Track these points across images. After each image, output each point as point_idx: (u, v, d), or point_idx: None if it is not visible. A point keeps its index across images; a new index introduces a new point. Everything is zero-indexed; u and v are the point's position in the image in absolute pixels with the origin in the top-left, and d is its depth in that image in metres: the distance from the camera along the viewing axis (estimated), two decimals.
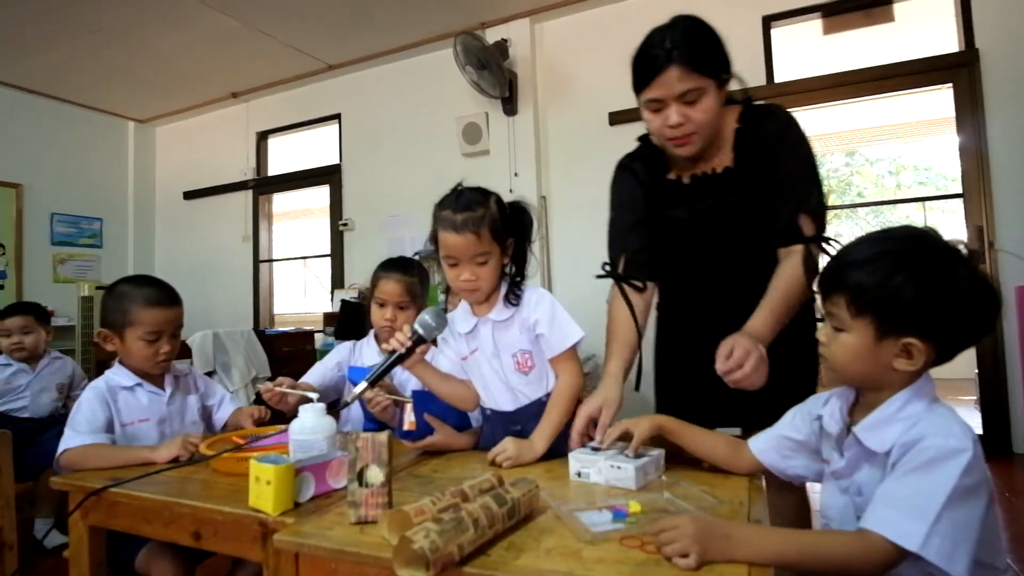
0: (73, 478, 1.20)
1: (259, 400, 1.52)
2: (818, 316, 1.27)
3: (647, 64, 1.20)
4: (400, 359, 1.18)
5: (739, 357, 1.03)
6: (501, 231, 1.22)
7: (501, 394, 1.27)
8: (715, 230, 1.32)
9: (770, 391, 1.07)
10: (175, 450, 1.25)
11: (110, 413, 1.38)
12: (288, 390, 1.46)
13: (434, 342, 1.27)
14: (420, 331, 1.18)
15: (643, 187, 1.38)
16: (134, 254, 5.72)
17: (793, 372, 1.19)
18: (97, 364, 4.13)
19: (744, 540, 0.71)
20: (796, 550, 0.72)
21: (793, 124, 1.27)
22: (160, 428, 1.44)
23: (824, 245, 1.20)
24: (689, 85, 1.17)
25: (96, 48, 4.34)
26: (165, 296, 1.47)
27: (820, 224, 1.22)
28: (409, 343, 1.17)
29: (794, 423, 0.98)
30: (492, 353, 1.26)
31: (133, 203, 5.75)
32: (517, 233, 1.28)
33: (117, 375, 1.44)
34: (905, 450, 0.75)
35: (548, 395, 1.25)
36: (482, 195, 1.23)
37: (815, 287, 1.07)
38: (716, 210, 1.30)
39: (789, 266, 1.19)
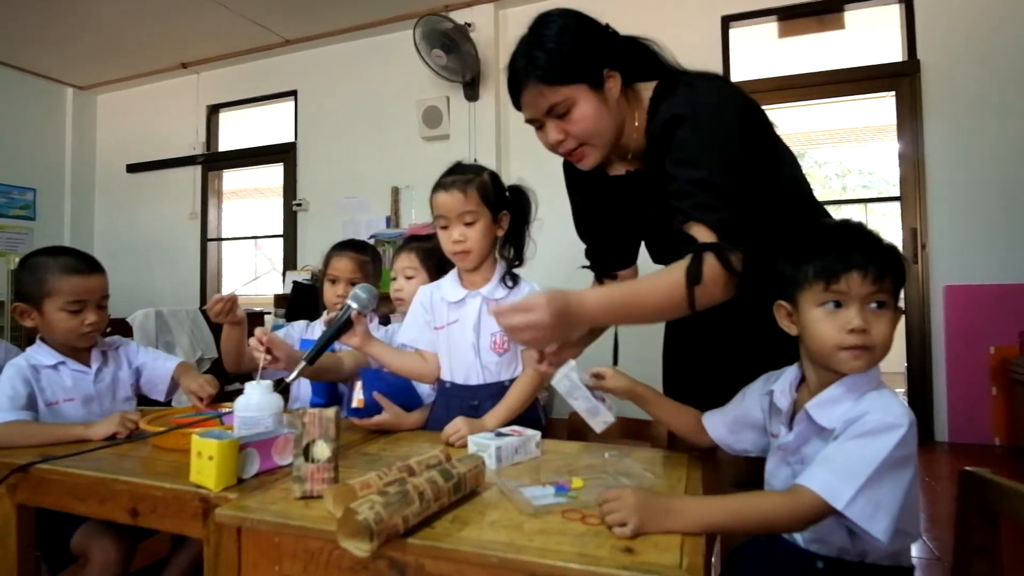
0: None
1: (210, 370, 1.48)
2: None
3: (510, 86, 1.09)
4: (338, 332, 1.18)
5: (514, 306, 0.92)
6: (492, 200, 1.28)
7: (470, 367, 1.29)
8: (654, 236, 1.25)
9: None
10: (112, 427, 1.20)
11: (32, 390, 1.31)
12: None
13: (388, 319, 1.27)
14: (353, 305, 1.19)
15: (581, 182, 1.29)
16: (71, 227, 5.42)
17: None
18: (28, 340, 3.93)
19: (680, 511, 0.74)
20: (728, 514, 0.76)
21: (694, 102, 1.03)
22: (87, 407, 1.36)
23: (731, 255, 0.96)
24: (552, 100, 1.04)
25: (34, 8, 4.07)
26: (84, 263, 1.38)
27: (725, 230, 0.97)
28: (340, 314, 1.19)
29: (745, 402, 1.03)
30: (473, 327, 1.28)
31: (71, 174, 5.45)
32: (514, 214, 1.33)
33: (38, 353, 1.36)
34: (848, 424, 0.81)
35: (512, 380, 1.29)
36: (477, 167, 1.31)
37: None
38: (638, 218, 1.22)
39: (673, 267, 0.98)
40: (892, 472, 0.76)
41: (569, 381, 1.02)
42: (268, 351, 1.21)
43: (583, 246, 1.38)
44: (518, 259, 1.35)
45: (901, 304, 0.87)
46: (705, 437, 1.06)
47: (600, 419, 1.02)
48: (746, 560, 1.00)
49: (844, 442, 0.80)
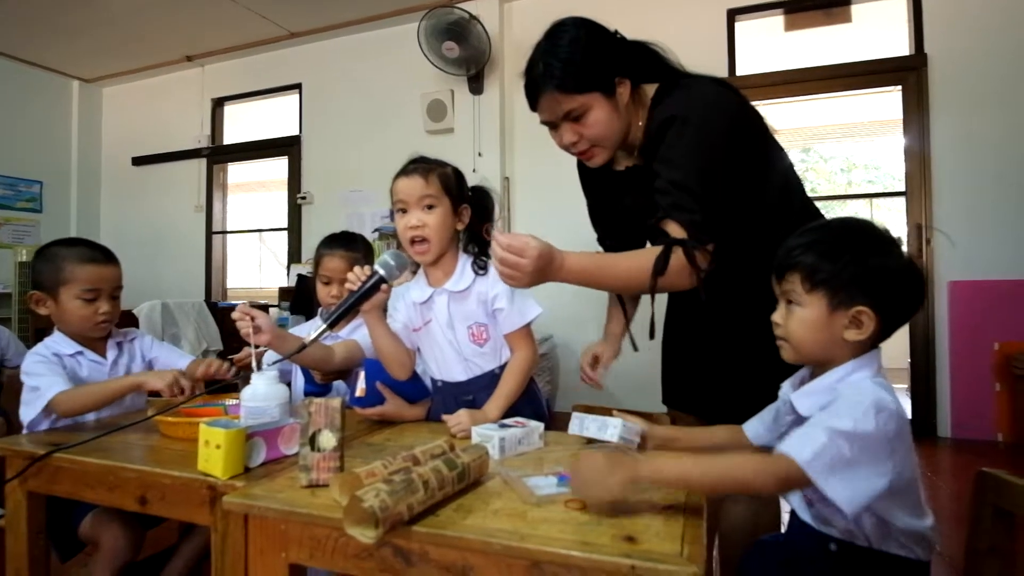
0: (9, 442, 1.16)
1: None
2: None
3: (527, 89, 1.17)
4: (363, 298, 1.16)
5: (512, 244, 0.99)
6: (453, 192, 1.26)
7: (454, 364, 1.29)
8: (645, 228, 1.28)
9: (771, 373, 1.03)
10: (161, 383, 1.24)
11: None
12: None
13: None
14: (381, 271, 1.16)
15: (591, 177, 1.37)
16: (77, 220, 5.45)
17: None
18: (35, 332, 3.96)
19: (649, 460, 0.78)
20: (698, 469, 0.78)
21: (687, 105, 1.11)
22: None
23: (696, 252, 1.06)
24: (568, 107, 1.14)
25: (40, 2, 4.07)
26: (100, 253, 1.41)
27: (695, 230, 1.07)
28: (365, 279, 1.16)
29: (779, 400, 1.03)
30: (447, 324, 1.27)
31: (76, 167, 5.47)
32: (477, 214, 1.31)
33: (57, 343, 1.38)
34: (822, 409, 0.83)
35: (501, 368, 1.27)
36: (440, 162, 1.29)
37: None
38: (635, 210, 1.25)
39: (646, 251, 1.11)
40: (860, 446, 0.76)
41: (578, 419, 1.05)
42: (252, 320, 1.19)
43: (585, 237, 1.44)
44: (484, 257, 1.32)
45: (866, 315, 0.85)
46: (746, 445, 1.05)
47: (611, 430, 1.00)
48: (765, 547, 1.01)
49: (815, 417, 0.83)
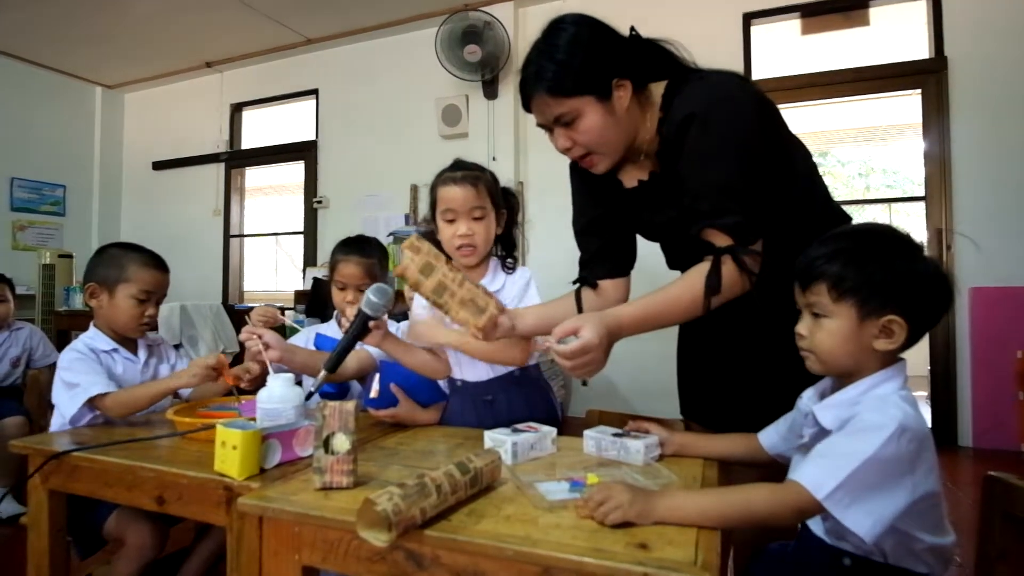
0: (33, 441, 1.18)
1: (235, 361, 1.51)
2: None
3: (521, 90, 1.10)
4: (356, 338, 1.17)
5: (574, 350, 0.95)
6: (496, 198, 1.29)
7: (478, 364, 1.29)
8: (674, 241, 1.24)
9: (791, 384, 1.01)
10: (184, 378, 1.31)
11: None
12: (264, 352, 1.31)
13: (406, 315, 1.28)
14: (367, 311, 1.17)
15: (590, 187, 1.25)
16: (99, 223, 5.55)
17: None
18: (58, 334, 4.03)
19: (669, 499, 0.76)
20: (715, 504, 0.76)
21: (708, 98, 1.02)
22: None
23: (746, 258, 0.99)
24: (559, 111, 1.05)
25: (64, 9, 4.17)
26: (159, 261, 1.50)
27: (740, 234, 1.00)
28: (355, 320, 1.17)
29: (795, 411, 1.01)
30: None
31: (99, 171, 5.57)
32: (506, 214, 1.34)
33: (94, 339, 1.44)
34: (843, 424, 0.82)
35: (522, 368, 1.28)
36: (480, 167, 1.31)
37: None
38: (658, 224, 1.20)
39: (693, 273, 1.02)
40: (880, 471, 0.75)
41: (593, 440, 1.05)
42: (260, 337, 1.27)
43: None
44: (511, 259, 1.36)
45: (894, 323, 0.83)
46: (761, 454, 1.05)
47: (634, 454, 0.99)
48: (773, 557, 1.00)
49: (834, 439, 0.81)
